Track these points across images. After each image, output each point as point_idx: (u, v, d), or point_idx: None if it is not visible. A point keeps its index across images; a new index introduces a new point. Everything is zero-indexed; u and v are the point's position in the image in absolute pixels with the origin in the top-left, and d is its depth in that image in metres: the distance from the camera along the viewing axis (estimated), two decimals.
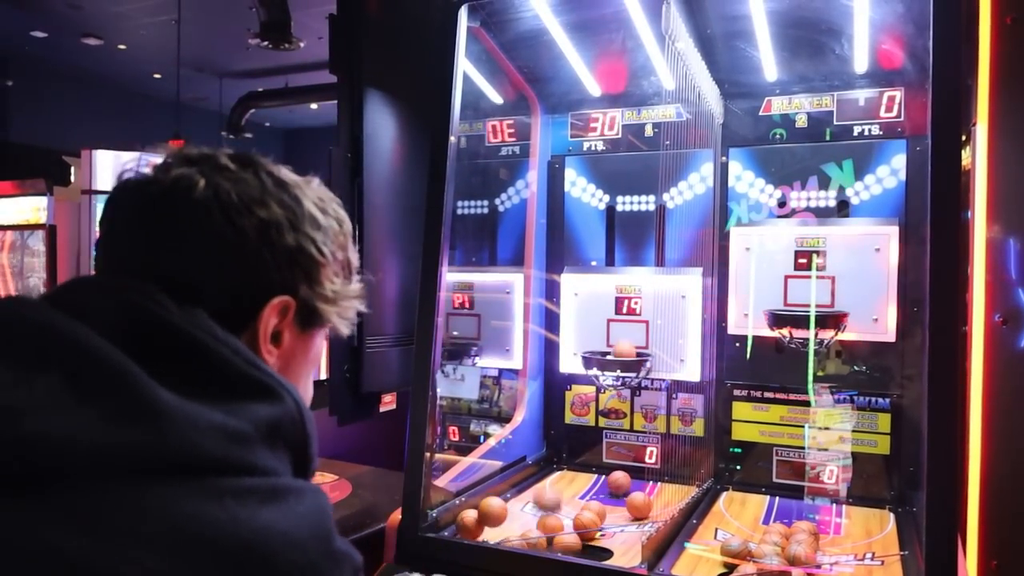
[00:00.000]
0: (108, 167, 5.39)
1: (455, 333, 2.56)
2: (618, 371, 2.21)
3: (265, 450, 0.70)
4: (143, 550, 0.58)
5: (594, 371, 2.24)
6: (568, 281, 2.46)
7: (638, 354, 2.23)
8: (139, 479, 0.61)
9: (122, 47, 10.01)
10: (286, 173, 0.83)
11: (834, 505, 2.04)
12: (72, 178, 5.63)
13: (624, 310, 2.35)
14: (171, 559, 0.59)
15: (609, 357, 2.23)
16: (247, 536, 0.62)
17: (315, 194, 0.85)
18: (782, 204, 2.21)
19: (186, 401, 0.65)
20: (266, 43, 6.85)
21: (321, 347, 0.90)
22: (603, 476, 2.33)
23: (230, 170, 0.78)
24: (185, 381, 0.67)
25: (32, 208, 6.11)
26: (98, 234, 0.81)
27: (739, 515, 2.03)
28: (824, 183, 2.16)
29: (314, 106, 12.04)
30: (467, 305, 2.57)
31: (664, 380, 2.31)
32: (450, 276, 2.43)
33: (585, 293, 2.42)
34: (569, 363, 2.43)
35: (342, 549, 0.71)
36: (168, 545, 0.59)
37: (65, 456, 0.60)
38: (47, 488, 0.59)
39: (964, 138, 1.51)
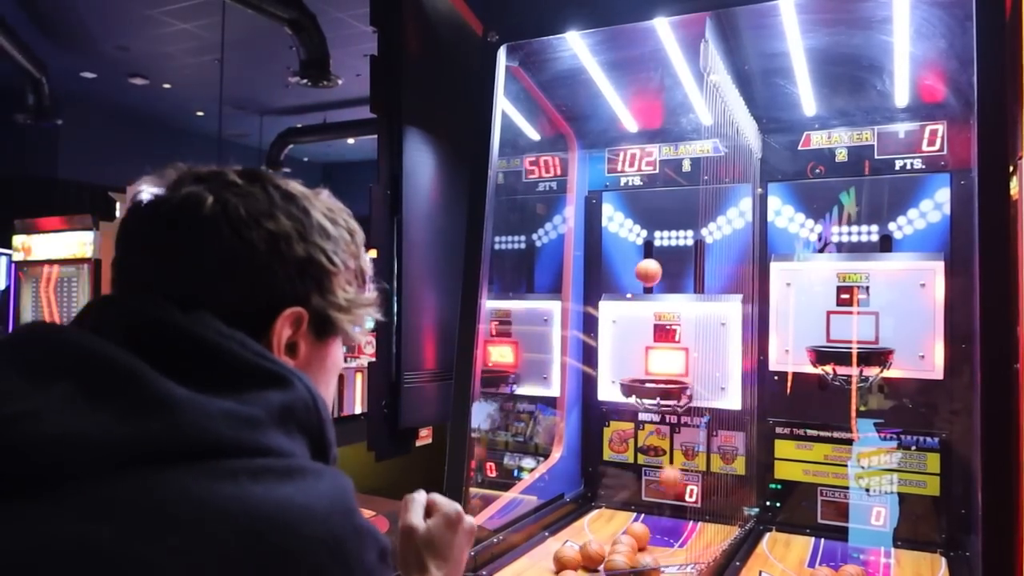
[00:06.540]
0: None
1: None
2: (657, 399, 2.16)
3: (279, 433, 0.70)
4: (164, 530, 0.60)
5: (633, 399, 2.20)
6: (606, 308, 2.44)
7: (676, 382, 2.19)
8: (154, 467, 0.63)
9: (167, 86, 10.34)
10: (294, 186, 0.84)
11: (882, 548, 1.98)
12: (117, 213, 5.80)
13: (663, 337, 2.33)
14: (191, 536, 0.60)
15: (648, 384, 2.19)
16: (264, 510, 0.63)
17: (324, 205, 0.85)
18: (822, 239, 2.18)
19: (197, 394, 0.67)
20: (305, 81, 7.03)
21: (339, 356, 0.90)
22: (642, 515, 2.30)
23: (238, 185, 0.79)
24: (196, 377, 0.69)
25: (78, 243, 6.29)
26: (114, 255, 0.82)
27: (783, 557, 1.98)
28: (865, 217, 2.14)
29: (351, 141, 12.27)
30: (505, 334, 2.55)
31: (704, 417, 2.27)
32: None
33: (623, 320, 2.40)
34: (607, 392, 2.41)
35: (366, 526, 0.71)
36: (187, 523, 0.60)
37: (82, 452, 0.62)
38: (66, 484, 0.61)
39: (1011, 169, 1.48)
